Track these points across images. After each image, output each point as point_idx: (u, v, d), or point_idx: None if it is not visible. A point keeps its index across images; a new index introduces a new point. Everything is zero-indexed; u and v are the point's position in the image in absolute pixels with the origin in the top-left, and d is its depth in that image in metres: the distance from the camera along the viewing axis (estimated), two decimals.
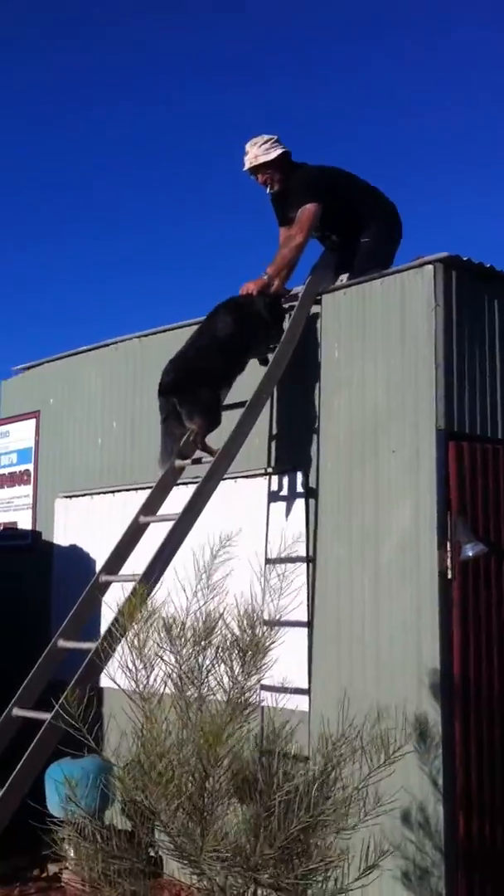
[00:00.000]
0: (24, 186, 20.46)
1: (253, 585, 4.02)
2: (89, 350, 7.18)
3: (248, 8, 18.85)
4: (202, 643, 3.62)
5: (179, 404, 5.21)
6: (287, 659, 4.80)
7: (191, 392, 5.21)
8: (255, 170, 5.83)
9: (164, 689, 3.72)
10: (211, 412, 5.25)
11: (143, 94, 20.12)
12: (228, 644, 3.55)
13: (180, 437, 5.29)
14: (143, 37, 18.98)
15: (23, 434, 7.86)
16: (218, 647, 3.60)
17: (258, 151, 5.78)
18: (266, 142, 5.78)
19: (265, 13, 18.58)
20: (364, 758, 3.40)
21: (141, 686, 3.63)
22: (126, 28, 18.89)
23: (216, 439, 5.22)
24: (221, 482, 5.07)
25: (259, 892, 3.46)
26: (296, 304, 5.49)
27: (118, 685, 3.74)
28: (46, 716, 4.24)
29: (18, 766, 4.23)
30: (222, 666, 3.56)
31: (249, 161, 5.82)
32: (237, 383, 5.41)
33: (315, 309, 5.49)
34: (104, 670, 4.21)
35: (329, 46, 19.66)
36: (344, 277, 5.58)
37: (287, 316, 5.52)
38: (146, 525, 5.18)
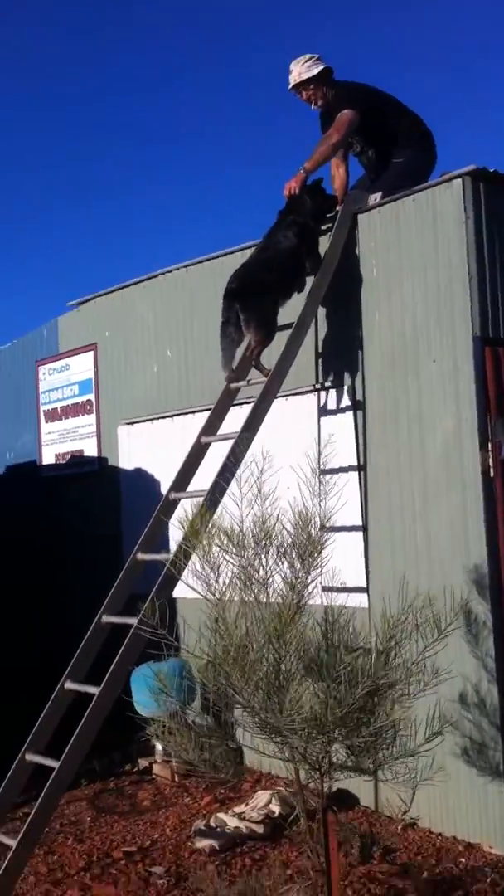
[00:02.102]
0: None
1: (307, 494, 4.33)
2: (140, 282, 7.48)
3: None
4: (263, 544, 3.93)
5: (241, 310, 5.51)
6: (346, 562, 5.18)
7: (252, 299, 5.52)
8: (299, 87, 6.11)
9: (231, 594, 4.06)
10: (268, 321, 5.57)
11: None
12: (286, 545, 3.87)
13: (238, 343, 5.60)
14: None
15: (82, 366, 8.25)
16: (277, 549, 3.91)
17: (301, 69, 6.08)
18: (308, 59, 6.07)
19: None
20: (420, 635, 3.73)
21: (212, 589, 3.98)
22: None
23: (266, 361, 5.51)
24: (274, 400, 5.38)
25: (335, 758, 3.85)
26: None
27: (193, 588, 4.09)
28: (133, 620, 4.60)
29: (111, 668, 4.62)
30: (284, 564, 3.89)
31: (293, 80, 6.11)
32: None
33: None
34: (178, 580, 4.58)
35: None
36: (377, 196, 5.77)
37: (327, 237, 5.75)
38: (208, 445, 5.51)
